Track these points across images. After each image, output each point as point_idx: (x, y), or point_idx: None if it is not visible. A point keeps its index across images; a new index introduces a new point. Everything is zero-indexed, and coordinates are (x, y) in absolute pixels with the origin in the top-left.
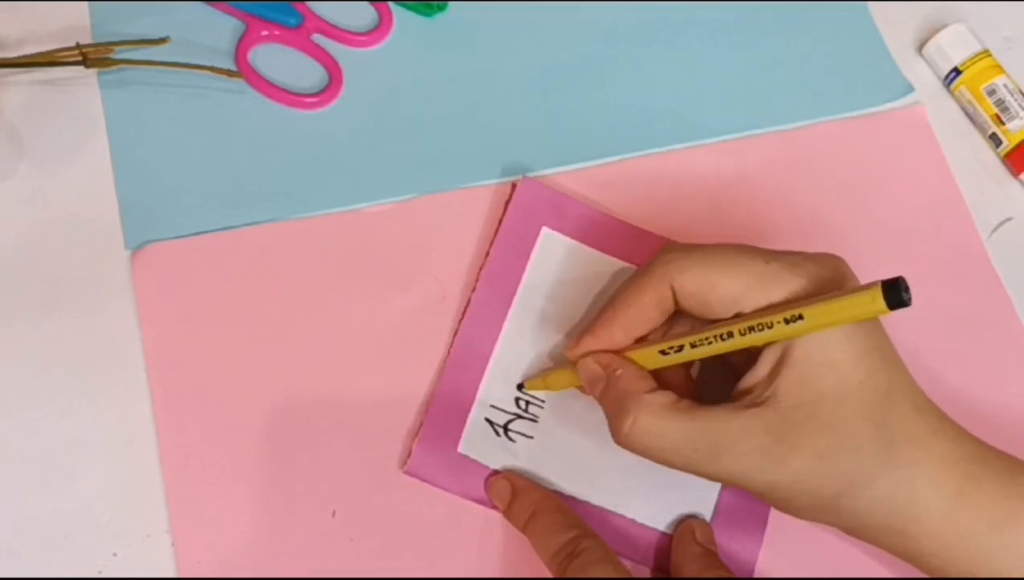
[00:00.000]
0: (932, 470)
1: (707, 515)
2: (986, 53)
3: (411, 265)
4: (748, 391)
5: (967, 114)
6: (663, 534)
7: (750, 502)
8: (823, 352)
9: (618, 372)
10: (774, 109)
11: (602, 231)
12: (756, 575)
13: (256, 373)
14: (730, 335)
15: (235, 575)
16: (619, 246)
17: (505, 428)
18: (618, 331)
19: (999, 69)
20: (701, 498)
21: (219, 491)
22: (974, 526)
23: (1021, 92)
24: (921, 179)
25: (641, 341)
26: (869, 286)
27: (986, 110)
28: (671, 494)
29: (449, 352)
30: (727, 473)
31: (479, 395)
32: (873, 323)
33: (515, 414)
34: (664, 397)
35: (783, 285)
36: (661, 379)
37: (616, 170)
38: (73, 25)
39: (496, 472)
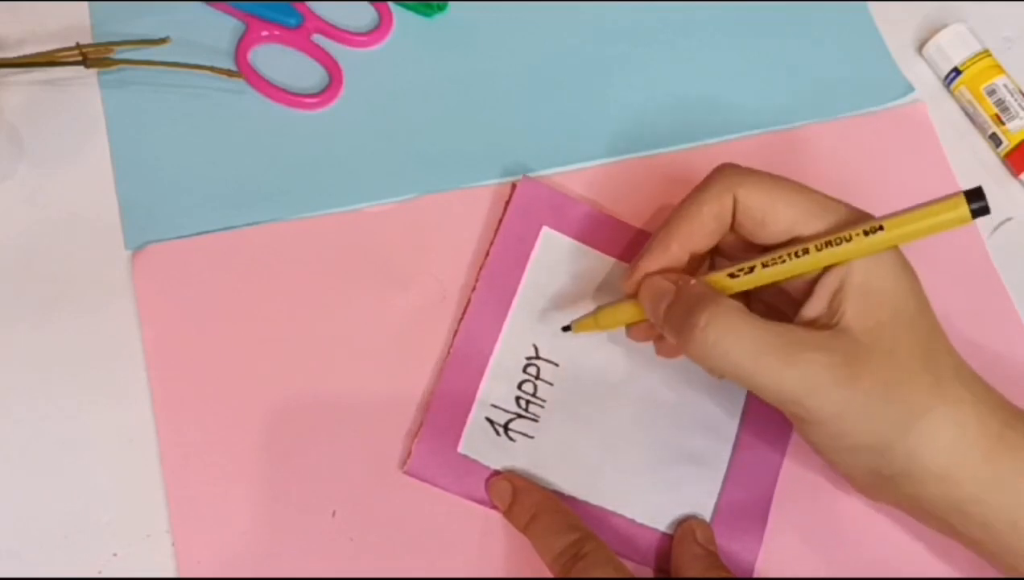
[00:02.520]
0: (976, 411)
1: (707, 515)
2: (986, 53)
3: (411, 265)
4: (814, 320)
5: (967, 114)
6: (663, 534)
7: (750, 502)
8: (879, 282)
9: (692, 281)
10: (774, 109)
11: (602, 231)
12: (756, 575)
13: (256, 373)
14: (805, 252)
15: (235, 575)
16: (619, 246)
17: (506, 427)
18: (675, 246)
19: (999, 69)
20: (701, 498)
21: (219, 491)
22: (1014, 469)
23: (1021, 92)
24: (922, 177)
25: (693, 266)
26: (951, 195)
27: (986, 110)
28: (671, 494)
29: (449, 351)
30: (795, 385)
31: (479, 395)
32: (912, 268)
33: (516, 413)
34: (737, 303)
35: (839, 214)
36: None
37: (616, 170)
38: (73, 25)
39: (496, 472)
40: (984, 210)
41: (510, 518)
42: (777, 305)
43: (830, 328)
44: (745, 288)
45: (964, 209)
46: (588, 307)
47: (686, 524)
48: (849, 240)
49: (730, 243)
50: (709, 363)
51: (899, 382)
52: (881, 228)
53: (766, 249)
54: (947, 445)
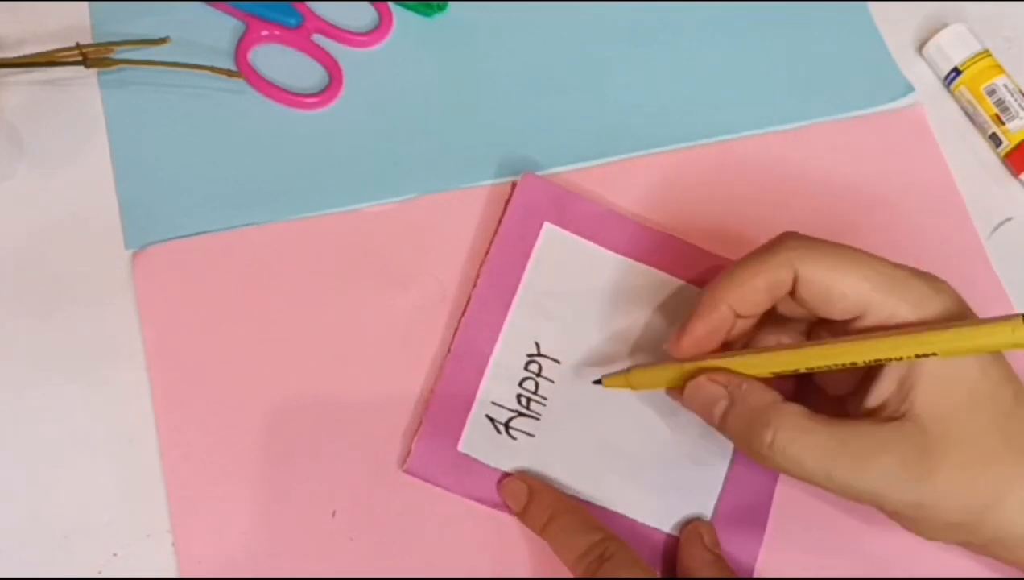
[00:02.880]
0: None
1: (707, 516)
2: (986, 53)
3: (411, 265)
4: (881, 407)
5: (967, 114)
6: (666, 536)
7: (750, 503)
8: (951, 365)
9: (744, 387)
10: (774, 109)
11: (605, 226)
12: (756, 575)
13: (256, 373)
14: (853, 364)
15: (235, 575)
16: (622, 242)
17: (507, 426)
18: (725, 308)
19: (999, 69)
20: (702, 499)
21: (219, 491)
22: None
23: (1021, 92)
24: (920, 179)
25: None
26: (1007, 317)
27: (986, 110)
28: (672, 495)
29: (450, 349)
30: (868, 489)
31: (480, 393)
32: None
33: (517, 411)
34: (800, 409)
35: (910, 289)
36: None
37: (616, 170)
38: (73, 25)
39: (497, 471)
40: None
41: (525, 519)
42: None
43: (898, 418)
44: (780, 374)
45: (1021, 333)
46: (588, 303)
47: (692, 526)
48: (899, 360)
49: (790, 310)
50: (776, 471)
51: (980, 465)
52: (935, 354)
53: (831, 324)
54: None
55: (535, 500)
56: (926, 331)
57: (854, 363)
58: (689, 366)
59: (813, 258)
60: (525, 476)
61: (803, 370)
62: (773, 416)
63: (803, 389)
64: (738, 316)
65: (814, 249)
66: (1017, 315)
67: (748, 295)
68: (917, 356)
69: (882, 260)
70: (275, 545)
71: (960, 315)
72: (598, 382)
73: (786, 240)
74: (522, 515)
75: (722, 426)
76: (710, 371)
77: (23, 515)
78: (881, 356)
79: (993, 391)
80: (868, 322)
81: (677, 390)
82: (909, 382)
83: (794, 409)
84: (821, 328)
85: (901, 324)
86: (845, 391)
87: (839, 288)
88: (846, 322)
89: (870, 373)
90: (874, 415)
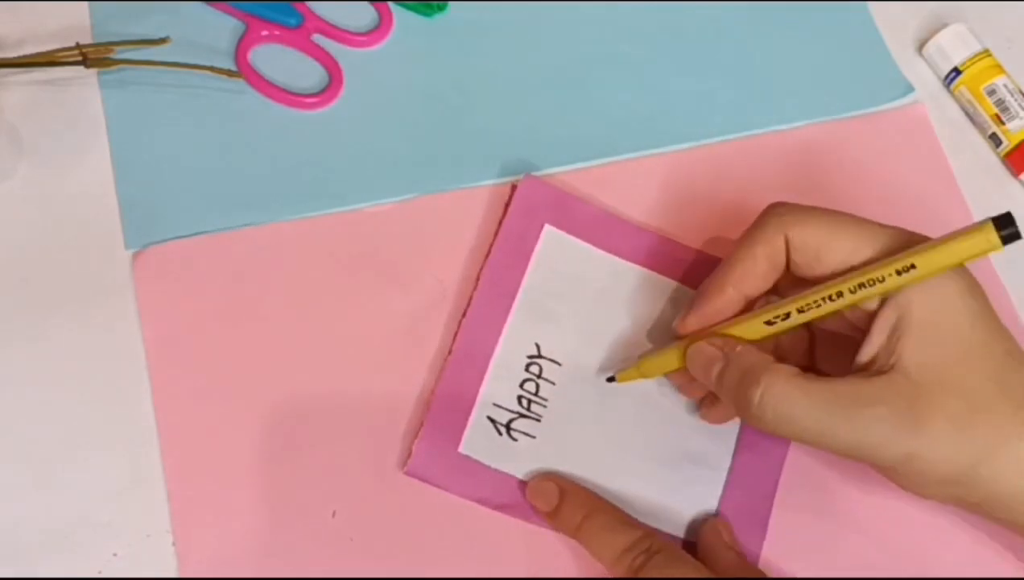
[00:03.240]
0: None
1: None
2: (986, 53)
3: (411, 265)
4: (871, 362)
5: (967, 114)
6: (667, 536)
7: (752, 503)
8: (940, 315)
9: (738, 349)
10: (774, 109)
11: (605, 229)
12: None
13: (256, 373)
14: (839, 295)
15: (235, 575)
16: (622, 244)
17: (508, 427)
18: (730, 290)
19: (999, 69)
20: (703, 499)
21: (219, 491)
22: None
23: (1021, 92)
24: (921, 178)
25: (749, 307)
26: (978, 223)
27: (986, 110)
28: (674, 495)
29: (450, 351)
30: (863, 440)
31: (481, 394)
32: (979, 288)
33: (518, 413)
34: (791, 368)
35: (894, 240)
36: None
37: (616, 170)
38: (73, 25)
39: (498, 472)
40: (1015, 236)
41: (557, 519)
42: (842, 332)
43: (887, 371)
44: (781, 332)
45: (994, 236)
46: (589, 304)
47: (710, 524)
48: (882, 281)
49: (787, 284)
50: (770, 432)
51: (973, 415)
52: (913, 266)
53: (820, 281)
54: None
55: (568, 500)
56: (904, 253)
57: (840, 295)
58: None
59: (802, 222)
60: (554, 476)
61: (795, 314)
62: (763, 374)
63: (808, 369)
64: (745, 297)
65: (801, 213)
66: (987, 220)
67: (750, 270)
68: (898, 272)
69: (869, 222)
70: (275, 545)
71: None
72: (611, 379)
73: (774, 210)
74: (553, 516)
75: (718, 386)
76: (710, 336)
77: (23, 515)
78: (864, 279)
79: (984, 343)
80: None
81: (684, 374)
82: (897, 334)
83: (784, 368)
84: None
85: None
86: (842, 370)
87: (826, 248)
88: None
89: (869, 322)
90: (864, 370)
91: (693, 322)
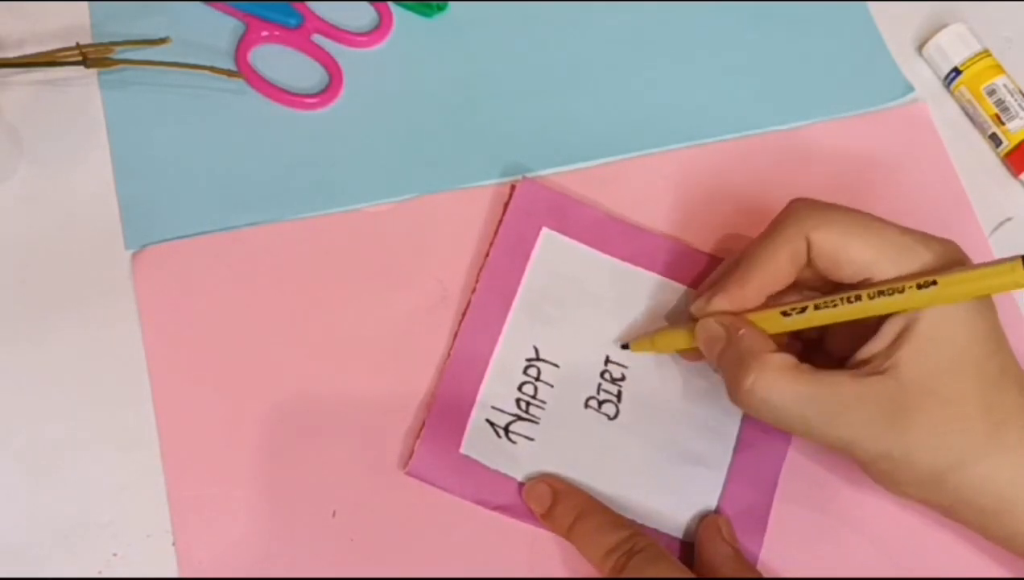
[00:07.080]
0: None
1: None
2: (986, 53)
3: (411, 265)
4: (867, 360)
5: (967, 114)
6: (669, 537)
7: (752, 503)
8: (945, 328)
9: (741, 331)
10: (774, 109)
11: (603, 232)
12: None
13: (256, 373)
14: (858, 298)
15: (235, 575)
16: (620, 247)
17: (506, 430)
18: (751, 289)
19: (999, 69)
20: (703, 499)
21: (219, 491)
22: None
23: (1021, 92)
24: (924, 176)
25: (771, 302)
26: (1007, 259)
27: (986, 110)
28: (673, 496)
29: (450, 353)
30: (841, 437)
31: (480, 396)
32: (992, 309)
33: (516, 415)
34: (785, 358)
35: (915, 257)
36: (782, 347)
37: (616, 170)
38: (73, 25)
39: (499, 474)
40: None
41: (550, 521)
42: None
43: (881, 373)
44: (797, 328)
45: (1020, 273)
46: (588, 307)
47: (710, 520)
48: (902, 291)
49: (808, 277)
50: (757, 417)
51: (951, 424)
52: (934, 283)
53: (842, 286)
54: (1000, 487)
55: (561, 501)
56: (927, 275)
57: (859, 298)
58: None
59: (824, 225)
60: (549, 478)
61: (811, 310)
62: (756, 363)
63: (810, 350)
64: (766, 295)
65: (824, 215)
66: (1017, 257)
67: (772, 273)
68: (919, 286)
69: (891, 225)
70: (275, 545)
71: None
72: (625, 347)
73: (796, 209)
74: (546, 517)
75: (717, 364)
76: (721, 314)
77: (23, 515)
78: (885, 287)
79: (979, 359)
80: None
81: (695, 353)
82: (900, 341)
83: (779, 357)
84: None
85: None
86: (850, 353)
87: (846, 253)
88: (854, 286)
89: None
90: (859, 367)
91: (709, 313)
